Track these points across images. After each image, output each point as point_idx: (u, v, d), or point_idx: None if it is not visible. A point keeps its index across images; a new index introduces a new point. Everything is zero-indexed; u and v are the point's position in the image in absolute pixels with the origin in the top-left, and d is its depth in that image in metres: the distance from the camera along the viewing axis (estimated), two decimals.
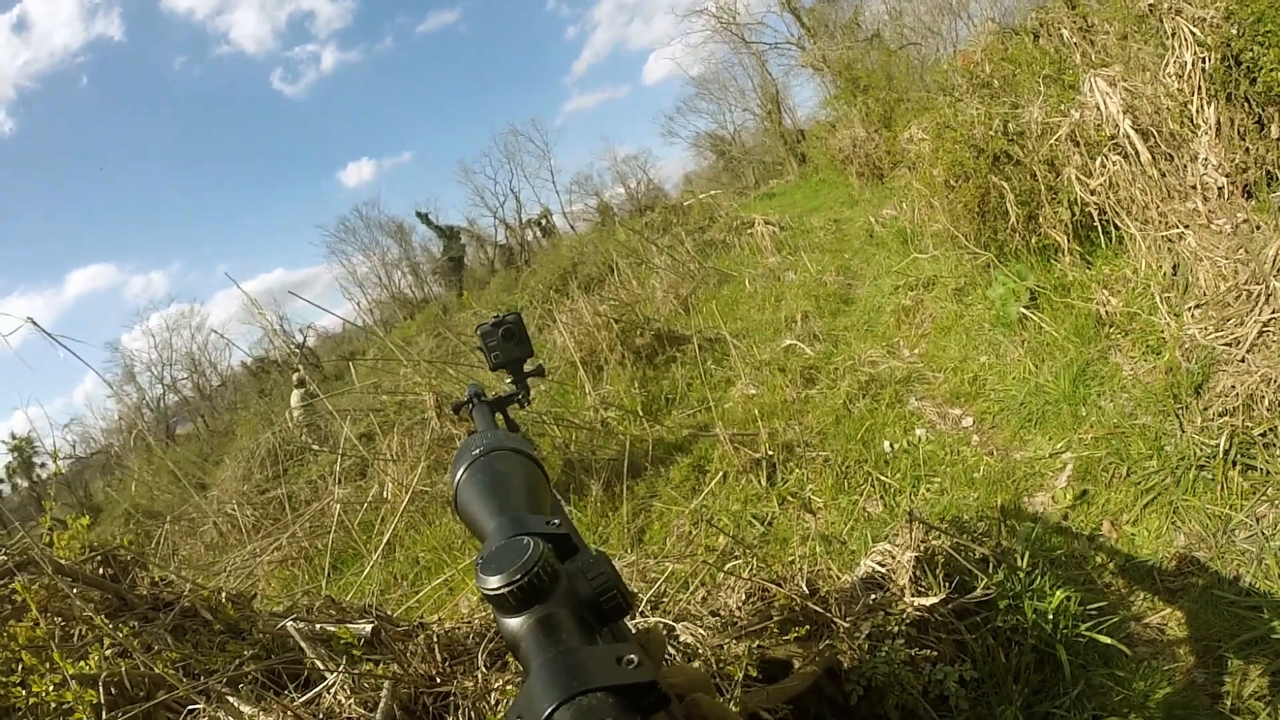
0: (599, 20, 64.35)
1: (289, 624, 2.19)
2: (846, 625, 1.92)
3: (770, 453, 4.41)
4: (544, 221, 40.42)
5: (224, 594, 2.29)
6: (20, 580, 2.08)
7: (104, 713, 1.93)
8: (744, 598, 2.11)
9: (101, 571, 2.32)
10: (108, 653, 2.00)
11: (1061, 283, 4.57)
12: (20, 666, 1.96)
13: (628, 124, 73.69)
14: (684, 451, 5.01)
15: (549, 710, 0.50)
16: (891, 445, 4.28)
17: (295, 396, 11.98)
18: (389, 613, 3.12)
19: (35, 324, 4.38)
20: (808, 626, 1.99)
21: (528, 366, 1.47)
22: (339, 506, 5.54)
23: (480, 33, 60.75)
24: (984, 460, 3.81)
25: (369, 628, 2.17)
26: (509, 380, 1.45)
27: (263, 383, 27.35)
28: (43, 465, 30.98)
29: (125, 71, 55.58)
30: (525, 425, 5.21)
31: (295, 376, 13.25)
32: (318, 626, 2.22)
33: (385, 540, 4.94)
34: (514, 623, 0.60)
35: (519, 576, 0.60)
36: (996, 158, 5.20)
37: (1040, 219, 4.89)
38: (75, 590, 2.06)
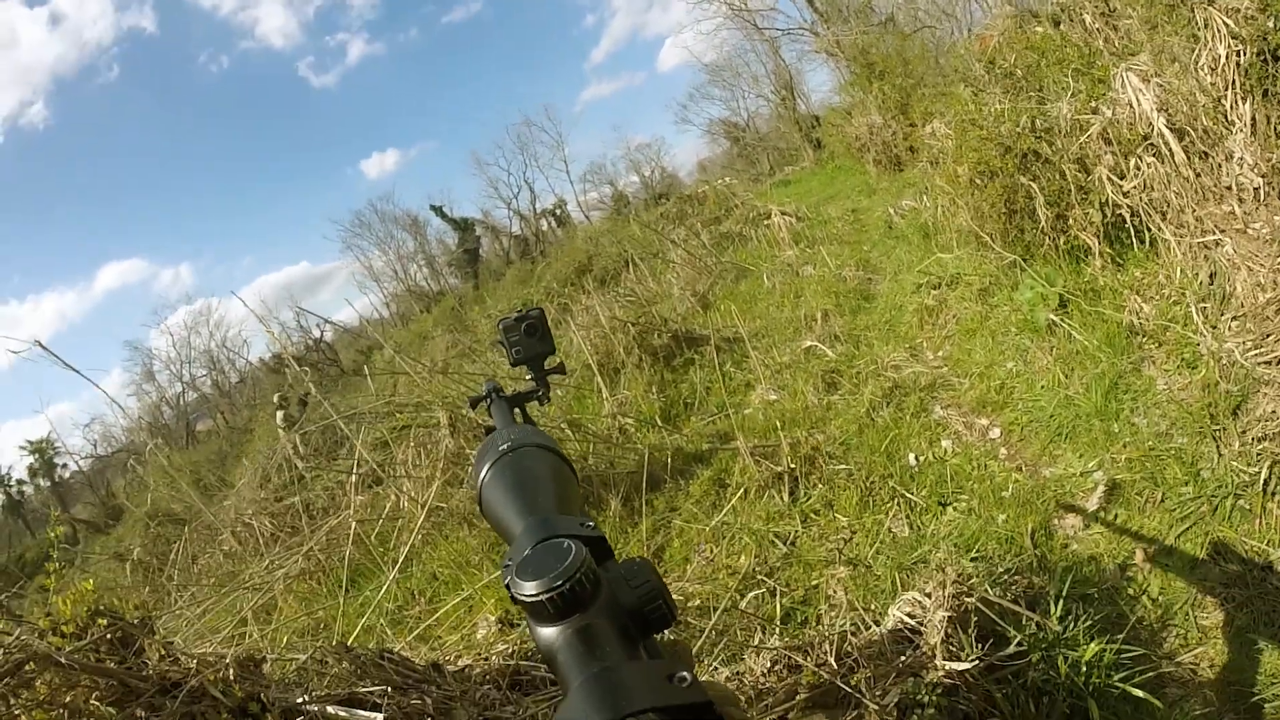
0: (617, 7, 64.44)
1: (308, 706, 2.15)
2: (876, 709, 1.84)
3: (792, 466, 4.32)
4: (559, 212, 40.42)
5: (232, 670, 2.22)
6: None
7: None
8: (769, 665, 2.03)
9: (108, 636, 2.25)
10: None
11: (1092, 288, 4.44)
12: None
13: (643, 112, 74.20)
14: (704, 463, 4.93)
15: None
16: (917, 458, 4.18)
17: (279, 417, 12.07)
18: (399, 649, 3.06)
19: (43, 345, 4.37)
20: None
21: (548, 363, 1.42)
22: (354, 523, 5.51)
23: (503, 22, 61.43)
24: (1013, 477, 3.70)
25: (380, 718, 2.11)
26: (528, 376, 1.41)
27: (281, 380, 27.53)
28: (64, 465, 31.49)
29: (156, 63, 56.79)
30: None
31: (276, 397, 13.35)
32: (329, 710, 2.16)
33: (401, 560, 4.91)
34: (550, 632, 0.56)
35: (560, 583, 0.56)
36: (1025, 156, 5.05)
37: (1070, 220, 4.74)
38: (83, 682, 2.01)
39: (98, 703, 2.05)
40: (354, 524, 5.41)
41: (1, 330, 51.63)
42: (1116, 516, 3.17)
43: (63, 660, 2.01)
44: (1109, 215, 4.53)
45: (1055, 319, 4.40)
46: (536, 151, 42.16)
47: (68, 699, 2.02)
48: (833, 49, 20.56)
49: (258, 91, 59.79)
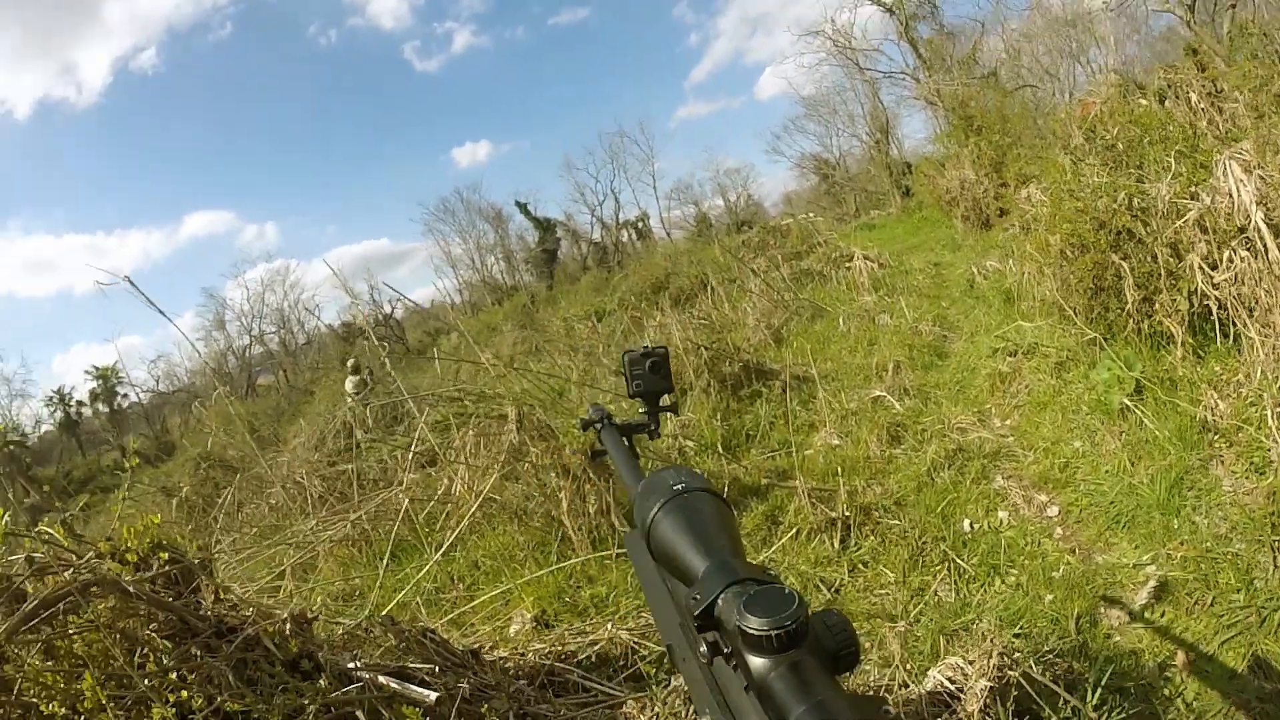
0: (723, 30, 65.01)
1: (359, 672, 2.30)
2: None
3: (847, 514, 4.38)
4: (640, 225, 40.85)
5: (288, 625, 2.37)
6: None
7: None
8: None
9: (168, 570, 2.38)
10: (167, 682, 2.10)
11: (1170, 377, 4.41)
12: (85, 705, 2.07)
13: (736, 137, 74.85)
14: (760, 497, 5.02)
15: None
16: (972, 525, 4.22)
17: (350, 383, 12.29)
18: (439, 631, 3.17)
19: (131, 282, 4.68)
20: None
21: (664, 401, 1.49)
22: (407, 499, 5.69)
23: (608, 31, 62.35)
24: (1065, 558, 3.71)
25: (433, 696, 2.24)
26: (641, 410, 1.48)
27: (348, 348, 28.35)
28: (124, 395, 32.87)
29: (268, 28, 59.15)
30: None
31: (350, 363, 13.63)
32: (380, 680, 2.30)
33: (448, 543, 5.07)
34: (764, 663, 0.64)
35: (789, 623, 0.63)
36: (1118, 234, 5.03)
37: (1156, 304, 4.72)
38: (142, 611, 2.17)
39: (154, 634, 2.20)
40: (406, 500, 5.56)
41: (87, 258, 54.14)
42: (1163, 614, 3.18)
43: (129, 588, 2.16)
44: (1196, 304, 4.50)
45: (1129, 403, 4.39)
46: (626, 162, 42.65)
47: (125, 626, 2.17)
48: (932, 97, 20.47)
49: (361, 68, 61.96)
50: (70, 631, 2.09)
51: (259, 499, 7.85)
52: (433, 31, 63.11)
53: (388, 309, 34.16)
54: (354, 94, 63.15)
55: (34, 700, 1.96)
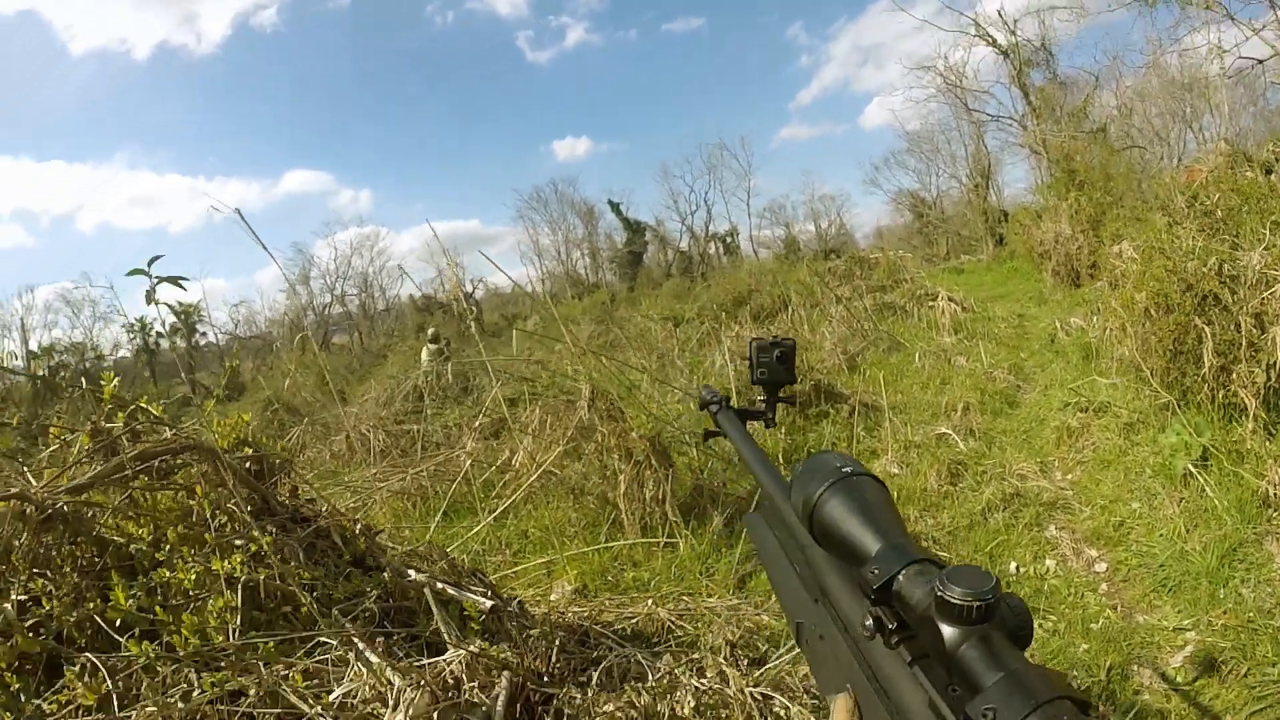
0: (834, 55, 64.64)
1: (418, 577, 2.51)
2: None
3: None
4: (729, 240, 40.90)
5: (358, 526, 2.59)
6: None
7: (238, 616, 2.18)
8: None
9: (248, 467, 2.59)
10: (245, 557, 2.28)
11: (1238, 449, 4.39)
12: (166, 546, 2.26)
13: (835, 163, 74.59)
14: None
15: (1032, 708, 0.59)
16: (1018, 568, 4.28)
17: (427, 351, 12.53)
18: (488, 575, 3.37)
19: (240, 215, 5.02)
20: None
21: (783, 391, 1.52)
22: (469, 460, 5.92)
23: (720, 43, 62.87)
24: (1106, 612, 3.76)
25: (489, 604, 2.43)
26: (760, 398, 1.51)
27: (425, 319, 29.06)
28: (202, 334, 34.11)
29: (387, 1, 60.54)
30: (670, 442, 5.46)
31: (430, 331, 13.95)
32: (439, 585, 2.51)
33: (503, 508, 5.29)
34: (956, 633, 0.67)
35: (990, 596, 0.67)
36: (1204, 298, 5.00)
37: (1234, 374, 4.69)
38: (229, 484, 2.41)
39: (235, 507, 2.40)
40: (469, 461, 5.79)
41: (186, 200, 56.90)
42: (1196, 679, 3.22)
43: (223, 457, 2.38)
44: (1273, 378, 4.47)
45: (1193, 469, 4.39)
46: (723, 175, 42.99)
47: (213, 494, 2.39)
48: (1037, 146, 20.13)
49: (473, 51, 63.40)
50: (160, 486, 2.34)
51: (322, 444, 8.22)
52: (547, 24, 64.18)
53: (469, 288, 34.93)
54: (462, 75, 64.78)
55: (116, 539, 2.21)
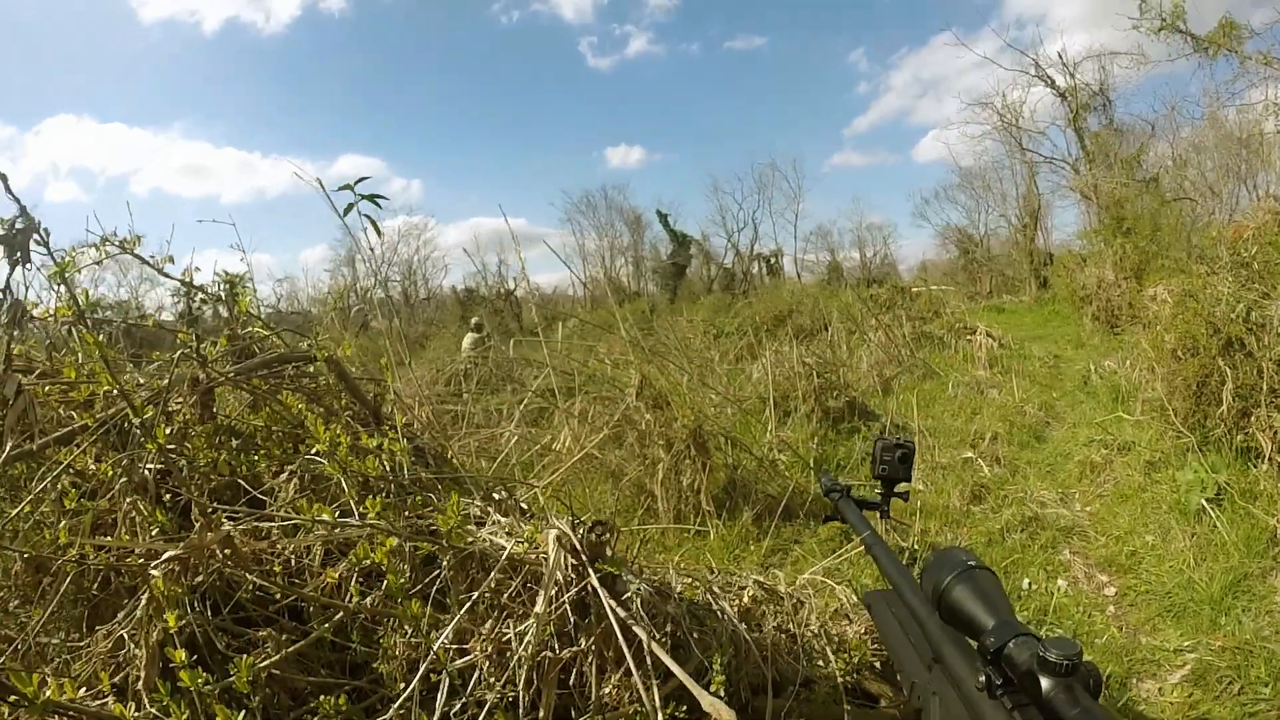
0: (893, 85, 64.73)
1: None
2: None
3: (916, 547, 4.72)
4: (773, 260, 40.95)
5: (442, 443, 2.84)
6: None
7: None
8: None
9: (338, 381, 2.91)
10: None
11: (1252, 489, 4.58)
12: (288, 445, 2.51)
13: (886, 193, 74.84)
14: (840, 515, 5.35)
15: None
16: (1030, 585, 4.48)
17: (468, 340, 12.69)
18: None
19: (321, 184, 5.26)
20: None
21: (899, 488, 1.75)
22: (514, 440, 6.10)
23: (781, 64, 63.18)
24: (1111, 631, 3.96)
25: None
26: (878, 490, 1.75)
27: (467, 310, 29.54)
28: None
29: None
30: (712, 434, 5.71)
31: (473, 321, 14.18)
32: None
33: (546, 483, 5.48)
34: (1051, 683, 0.88)
35: (1077, 657, 0.88)
36: (1229, 342, 5.19)
37: (1253, 418, 4.88)
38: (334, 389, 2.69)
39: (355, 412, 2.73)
40: (513, 439, 5.97)
41: (239, 174, 58.58)
42: (1191, 695, 3.42)
43: (346, 369, 2.76)
44: None
45: (1206, 505, 4.58)
46: (772, 196, 42.92)
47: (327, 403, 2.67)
48: (1088, 191, 20.14)
49: (536, 52, 64.41)
50: (293, 387, 2.68)
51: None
52: (611, 31, 64.81)
53: (511, 285, 35.37)
54: (522, 75, 65.77)
55: (241, 429, 2.49)
